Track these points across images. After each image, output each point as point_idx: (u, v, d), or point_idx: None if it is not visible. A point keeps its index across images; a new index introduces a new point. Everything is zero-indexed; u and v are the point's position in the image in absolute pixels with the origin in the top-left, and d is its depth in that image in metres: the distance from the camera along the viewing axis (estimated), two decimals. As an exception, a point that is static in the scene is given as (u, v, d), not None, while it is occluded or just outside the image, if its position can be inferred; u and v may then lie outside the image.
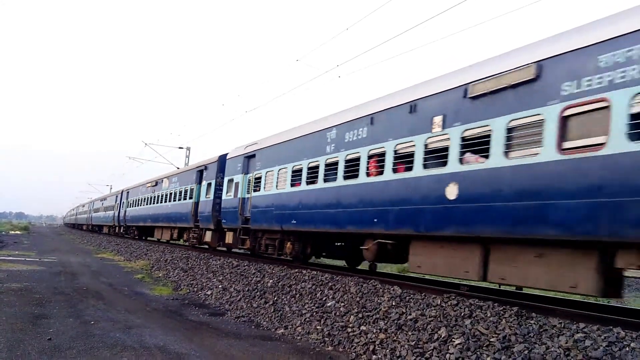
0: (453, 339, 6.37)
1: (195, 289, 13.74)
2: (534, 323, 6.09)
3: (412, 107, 8.94)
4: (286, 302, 10.14)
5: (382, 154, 9.51)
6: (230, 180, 17.19)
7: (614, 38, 5.85)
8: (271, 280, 11.68)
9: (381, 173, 9.47)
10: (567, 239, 6.17)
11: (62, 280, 13.96)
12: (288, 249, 13.70)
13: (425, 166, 8.41)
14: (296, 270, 11.82)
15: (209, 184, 19.71)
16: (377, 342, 7.18)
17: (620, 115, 5.60)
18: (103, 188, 76.30)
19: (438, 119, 8.27)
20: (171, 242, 27.30)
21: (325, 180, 11.36)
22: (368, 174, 9.87)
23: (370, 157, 9.91)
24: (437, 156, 8.27)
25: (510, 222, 6.79)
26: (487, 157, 7.21)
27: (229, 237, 17.62)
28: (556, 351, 5.36)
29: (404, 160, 8.96)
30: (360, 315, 8.14)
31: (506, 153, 6.92)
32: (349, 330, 7.89)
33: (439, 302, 7.45)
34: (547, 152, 6.35)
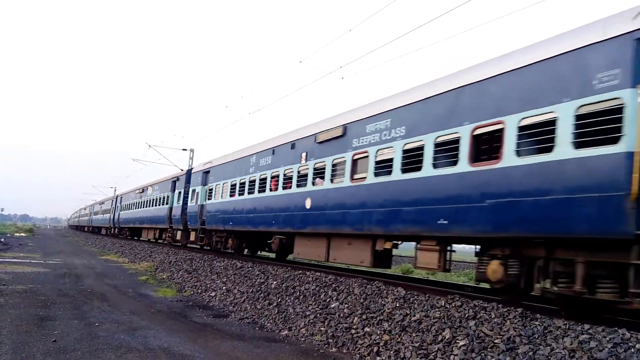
0: (457, 341, 6.36)
1: (199, 291, 13.77)
2: (539, 324, 6.06)
3: (292, 145, 13.56)
4: (290, 303, 10.14)
5: (277, 176, 14.12)
6: (194, 190, 21.63)
7: (369, 117, 10.38)
8: (275, 282, 11.68)
9: (277, 189, 14.01)
10: (356, 233, 10.52)
11: (66, 282, 14.01)
12: (229, 244, 18.11)
13: (297, 185, 12.81)
14: (300, 271, 11.83)
15: (180, 193, 24.09)
16: (381, 344, 7.17)
17: (372, 161, 9.97)
18: (107, 190, 76.54)
19: (304, 155, 12.78)
20: (159, 241, 30.90)
21: (248, 193, 15.86)
22: (271, 189, 14.36)
23: (272, 177, 14.44)
24: (303, 179, 12.67)
25: (334, 223, 11.14)
26: (323, 181, 11.71)
27: (192, 236, 21.86)
28: (561, 352, 5.34)
29: (288, 181, 13.48)
30: (364, 316, 8.13)
31: (331, 179, 11.38)
32: (353, 331, 7.89)
33: (443, 304, 7.44)
34: (346, 180, 10.78)
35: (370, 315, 8.08)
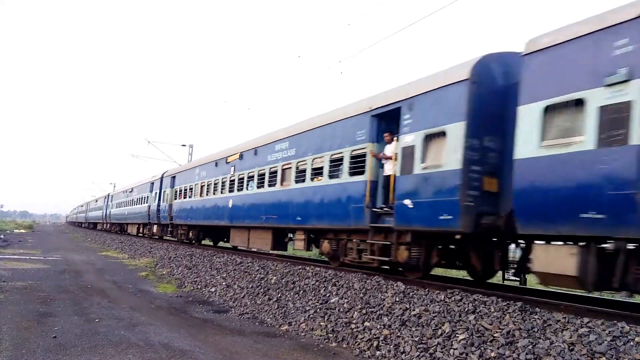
0: (457, 335, 6.37)
1: (199, 286, 13.78)
2: (538, 318, 6.08)
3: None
4: (290, 298, 10.15)
5: (141, 198, 32.72)
6: (100, 207, 53.66)
7: (134, 186, 37.59)
8: (275, 277, 11.70)
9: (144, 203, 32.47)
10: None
11: (66, 278, 14.02)
12: (104, 225, 51.59)
13: (140, 203, 33.53)
14: (299, 266, 11.84)
15: (97, 206, 55.87)
16: (381, 338, 7.19)
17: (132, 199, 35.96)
18: (106, 186, 76.62)
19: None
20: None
21: (127, 205, 37.53)
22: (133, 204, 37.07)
23: (138, 198, 33.80)
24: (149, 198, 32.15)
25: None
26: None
27: (99, 226, 55.50)
28: (560, 346, 5.36)
29: (141, 200, 32.39)
30: (364, 311, 8.15)
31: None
32: (353, 326, 7.90)
33: (442, 298, 7.45)
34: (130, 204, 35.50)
35: (370, 309, 8.10)
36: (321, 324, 8.48)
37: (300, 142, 12.85)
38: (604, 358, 4.99)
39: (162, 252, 22.07)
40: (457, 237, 8.27)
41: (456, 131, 8.00)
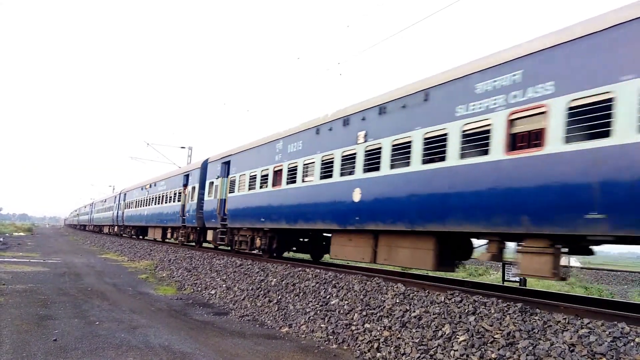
0: (457, 336, 6.38)
1: (199, 289, 13.78)
2: (538, 319, 6.08)
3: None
4: (290, 300, 10.15)
5: (109, 207, 46.96)
6: (87, 212, 67.99)
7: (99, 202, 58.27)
8: (275, 279, 11.69)
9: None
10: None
11: (66, 281, 14.01)
12: (89, 227, 66.50)
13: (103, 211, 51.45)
14: (299, 268, 11.84)
15: (85, 212, 69.45)
16: (381, 340, 7.19)
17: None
18: (105, 189, 77.07)
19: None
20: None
21: (103, 212, 51.11)
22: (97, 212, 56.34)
23: (108, 206, 47.97)
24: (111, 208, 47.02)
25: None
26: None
27: (87, 227, 68.81)
28: (561, 347, 5.36)
29: (109, 208, 47.39)
30: (364, 313, 8.15)
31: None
32: (353, 328, 7.91)
33: (442, 299, 7.46)
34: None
35: (370, 311, 8.10)
36: (321, 325, 8.48)
37: (168, 182, 26.23)
38: (604, 359, 5.00)
39: (162, 254, 22.06)
40: (198, 229, 21.43)
41: (197, 187, 20.59)
